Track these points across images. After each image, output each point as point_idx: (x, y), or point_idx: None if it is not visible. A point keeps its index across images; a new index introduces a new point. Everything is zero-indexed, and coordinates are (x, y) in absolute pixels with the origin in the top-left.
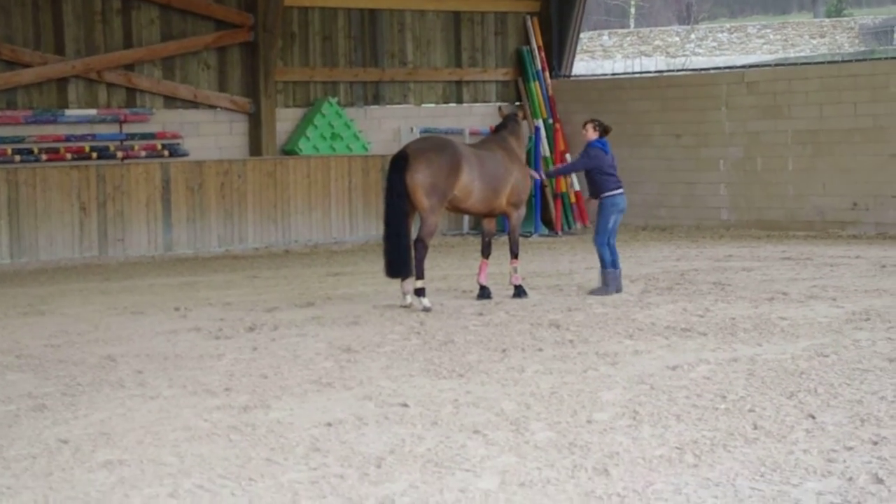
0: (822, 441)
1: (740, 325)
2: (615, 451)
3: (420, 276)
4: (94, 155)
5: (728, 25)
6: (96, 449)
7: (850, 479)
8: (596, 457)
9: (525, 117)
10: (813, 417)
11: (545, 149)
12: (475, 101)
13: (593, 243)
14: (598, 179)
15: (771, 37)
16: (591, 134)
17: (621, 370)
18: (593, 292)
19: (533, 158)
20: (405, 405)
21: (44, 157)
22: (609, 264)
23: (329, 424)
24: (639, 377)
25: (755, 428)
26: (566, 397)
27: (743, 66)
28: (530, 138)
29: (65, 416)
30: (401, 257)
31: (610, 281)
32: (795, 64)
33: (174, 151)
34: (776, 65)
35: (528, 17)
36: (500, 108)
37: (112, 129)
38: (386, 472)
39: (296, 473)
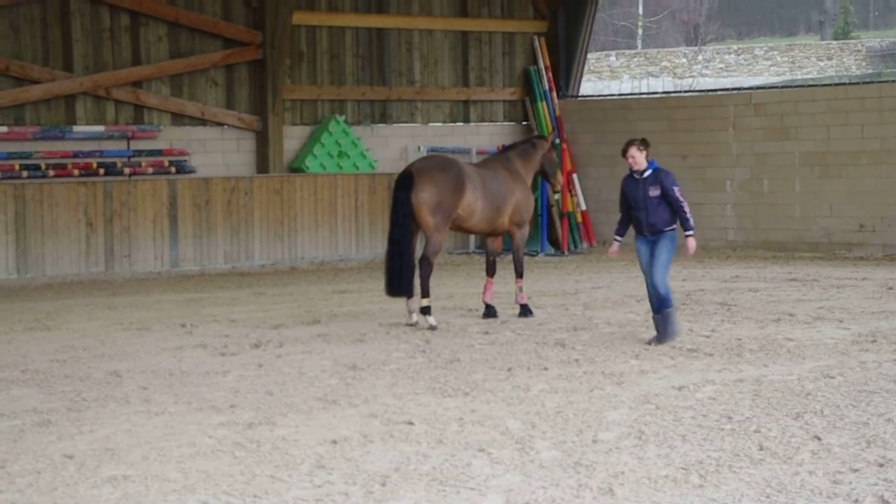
0: (827, 463)
1: (746, 345)
2: (620, 470)
3: (426, 295)
4: (102, 171)
5: (735, 47)
6: (101, 464)
7: (856, 501)
8: (601, 476)
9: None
10: (819, 439)
11: None
12: (482, 120)
13: (655, 282)
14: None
15: (778, 59)
16: (644, 157)
17: (627, 390)
18: (659, 339)
19: (540, 180)
20: (410, 423)
21: (51, 172)
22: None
23: (334, 442)
24: (644, 397)
25: (761, 449)
26: (572, 416)
27: (750, 88)
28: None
29: (70, 432)
30: (402, 276)
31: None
32: (803, 86)
33: (181, 168)
34: (783, 87)
35: (536, 37)
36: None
37: (119, 145)
38: (391, 490)
39: (300, 490)
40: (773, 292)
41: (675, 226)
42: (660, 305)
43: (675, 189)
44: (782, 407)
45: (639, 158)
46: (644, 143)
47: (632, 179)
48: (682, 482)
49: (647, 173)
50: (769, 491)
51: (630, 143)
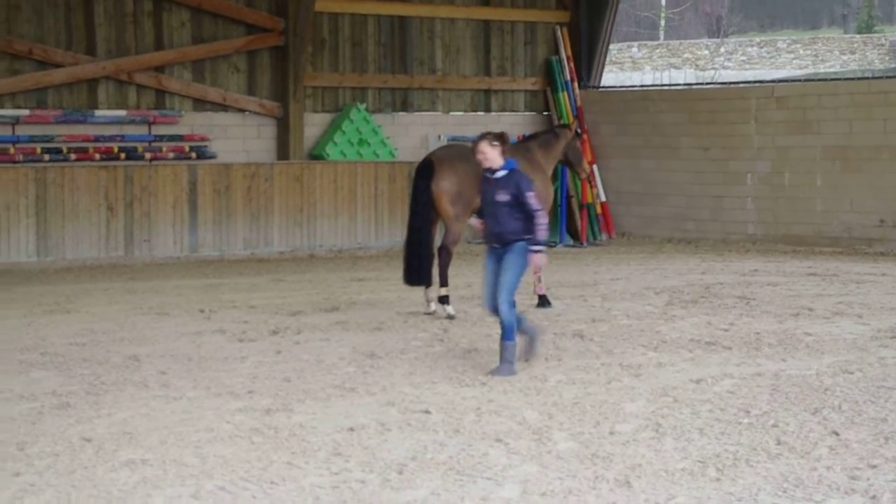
0: (845, 458)
1: (765, 339)
2: (637, 462)
3: (444, 284)
4: (123, 156)
5: (758, 39)
6: (119, 448)
7: (874, 497)
8: (618, 468)
9: (581, 136)
10: (837, 434)
11: None
12: (503, 109)
13: (498, 305)
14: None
15: (801, 52)
16: (497, 153)
17: (645, 382)
18: (499, 371)
19: (560, 169)
20: (428, 412)
21: (72, 156)
22: (530, 329)
23: (351, 429)
24: (662, 389)
25: (778, 443)
26: (589, 408)
27: (773, 81)
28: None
29: (88, 415)
30: (421, 265)
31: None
32: (825, 79)
33: (202, 154)
34: (806, 80)
35: (558, 27)
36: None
37: (141, 130)
38: (407, 479)
39: (317, 477)
40: (792, 286)
41: (530, 236)
42: (505, 333)
43: (531, 194)
44: (800, 402)
45: (490, 155)
46: (499, 138)
47: (486, 179)
48: (699, 475)
49: (499, 174)
50: (786, 486)
51: (481, 137)
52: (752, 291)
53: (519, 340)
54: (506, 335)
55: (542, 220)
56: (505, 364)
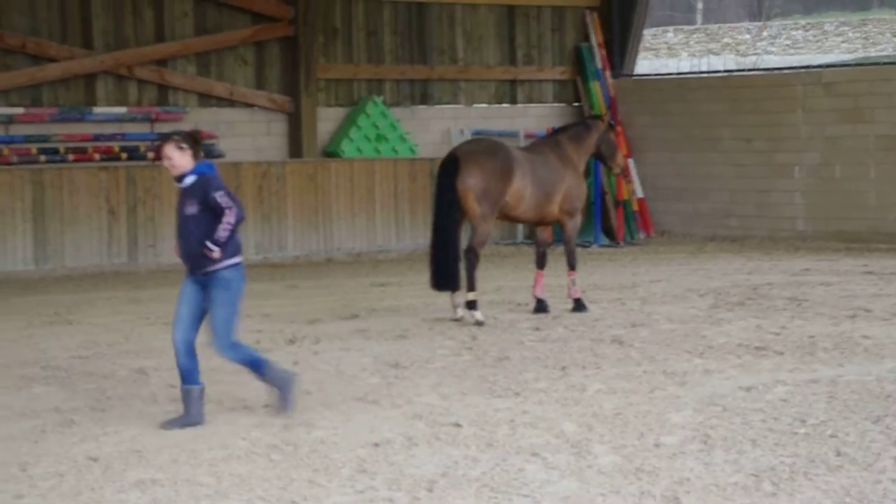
0: None
1: (819, 343)
2: (685, 477)
3: (472, 288)
4: (124, 155)
5: (803, 22)
6: (128, 468)
7: None
8: (665, 483)
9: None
10: None
11: None
12: (530, 101)
13: (220, 353)
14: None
15: (850, 35)
16: (187, 157)
17: (691, 391)
18: (171, 423)
19: (593, 164)
20: (458, 425)
21: (70, 157)
22: (278, 377)
23: (376, 444)
24: (710, 398)
25: (838, 455)
26: (631, 419)
27: (820, 66)
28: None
29: (94, 433)
30: (448, 269)
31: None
32: (877, 64)
33: (209, 152)
34: (856, 64)
35: (588, 11)
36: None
37: (143, 128)
38: (438, 497)
39: (341, 497)
40: (846, 286)
41: (237, 260)
42: (253, 368)
43: (219, 193)
44: (860, 410)
45: (178, 161)
46: (189, 140)
47: (179, 191)
48: (753, 490)
49: (187, 181)
50: (848, 500)
51: (165, 141)
52: (803, 292)
53: (271, 389)
54: (255, 370)
55: (230, 218)
56: (186, 415)
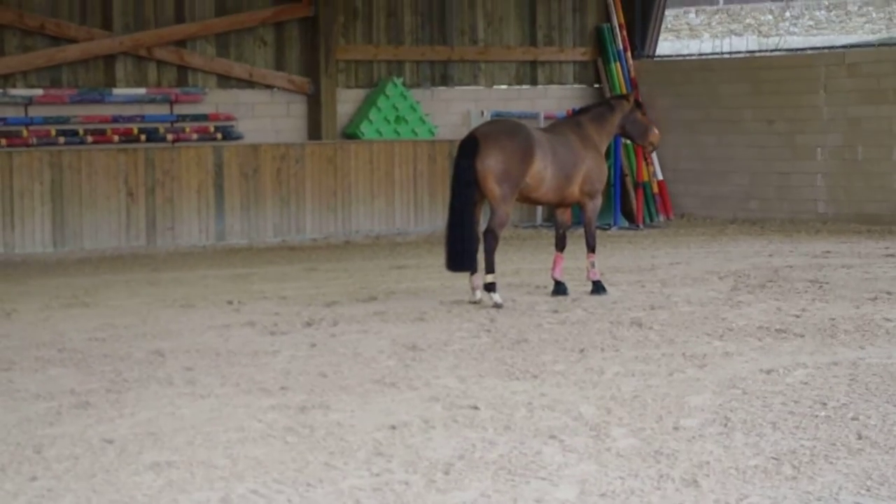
0: None
1: (840, 326)
2: (705, 460)
3: (491, 270)
4: (143, 137)
5: (826, 3)
6: (143, 450)
7: None
8: (684, 466)
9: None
10: None
11: None
12: (550, 82)
13: None
14: None
15: (874, 15)
16: None
17: (710, 373)
18: None
19: (614, 145)
20: (475, 408)
21: (89, 139)
22: None
23: (393, 427)
24: (730, 381)
25: (860, 438)
26: (650, 402)
27: (843, 47)
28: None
29: (110, 415)
30: (465, 250)
31: None
32: None
33: (228, 134)
34: (880, 45)
35: None
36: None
37: (162, 109)
38: (455, 480)
39: (357, 479)
40: (868, 269)
41: None
42: None
43: None
44: (882, 393)
45: None
46: None
47: None
48: (774, 473)
49: None
50: (870, 483)
51: None
52: (824, 275)
53: None
54: None
55: None
56: None
